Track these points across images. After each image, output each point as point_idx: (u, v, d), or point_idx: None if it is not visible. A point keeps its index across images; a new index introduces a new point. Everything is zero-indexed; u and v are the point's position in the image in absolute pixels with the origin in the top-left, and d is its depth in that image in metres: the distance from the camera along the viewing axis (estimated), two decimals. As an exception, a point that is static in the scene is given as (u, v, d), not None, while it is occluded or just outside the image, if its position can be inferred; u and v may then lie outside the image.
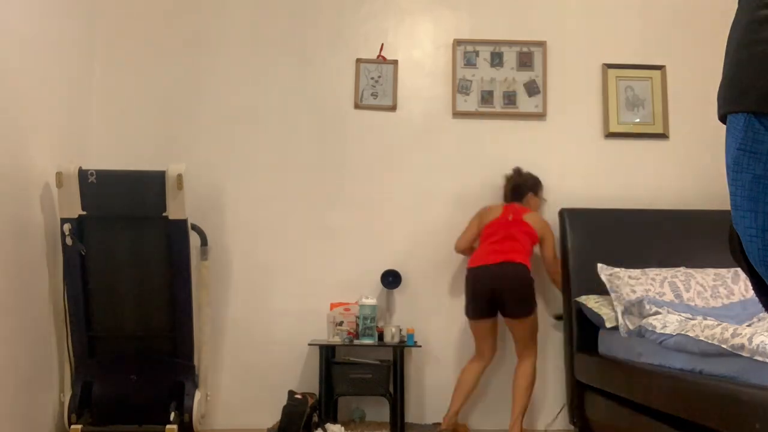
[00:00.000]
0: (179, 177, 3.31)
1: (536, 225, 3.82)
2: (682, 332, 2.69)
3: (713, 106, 4.05)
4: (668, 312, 3.13)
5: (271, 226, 4.10)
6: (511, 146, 4.21)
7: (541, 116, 4.22)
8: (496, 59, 4.24)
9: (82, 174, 3.34)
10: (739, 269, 3.66)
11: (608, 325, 3.44)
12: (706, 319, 3.06)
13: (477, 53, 4.24)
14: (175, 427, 3.32)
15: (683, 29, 4.33)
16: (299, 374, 3.99)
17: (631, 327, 3.23)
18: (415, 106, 4.22)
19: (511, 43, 4.25)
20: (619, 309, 3.37)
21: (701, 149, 4.22)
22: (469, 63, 4.23)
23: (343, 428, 3.55)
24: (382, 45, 4.24)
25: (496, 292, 3.60)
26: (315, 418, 3.64)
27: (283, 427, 3.51)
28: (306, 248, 4.10)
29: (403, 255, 4.10)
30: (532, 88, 4.23)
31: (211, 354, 3.94)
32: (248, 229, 4.09)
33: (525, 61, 4.24)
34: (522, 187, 3.96)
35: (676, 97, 4.26)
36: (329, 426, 3.52)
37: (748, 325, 3.00)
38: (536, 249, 3.94)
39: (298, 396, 3.58)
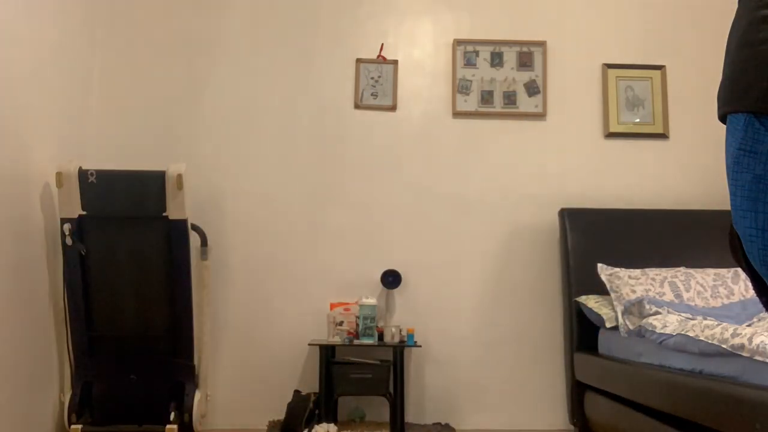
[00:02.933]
0: (179, 177, 3.31)
1: None
2: (682, 332, 2.69)
3: (713, 106, 4.05)
4: (668, 312, 3.13)
5: (272, 225, 4.10)
6: (511, 146, 4.21)
7: (541, 116, 4.22)
8: (496, 59, 4.24)
9: (82, 174, 3.34)
10: (739, 269, 3.66)
11: (608, 325, 3.44)
12: (706, 319, 3.06)
13: (477, 53, 4.24)
14: (175, 427, 3.32)
15: (683, 29, 4.33)
16: (299, 374, 3.99)
17: (631, 327, 3.23)
18: (415, 106, 4.22)
19: (511, 43, 4.25)
20: (619, 309, 3.37)
21: (701, 149, 4.22)
22: (469, 63, 4.23)
23: (333, 428, 3.54)
24: (382, 45, 4.24)
25: None
26: (316, 415, 3.68)
27: (286, 422, 3.59)
28: (306, 248, 4.10)
29: (403, 255, 4.10)
30: (532, 88, 4.23)
31: (211, 354, 3.94)
32: (248, 229, 4.09)
33: (525, 61, 4.24)
34: None
35: (676, 97, 4.26)
36: (317, 426, 3.53)
37: (748, 325, 3.00)
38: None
39: (302, 393, 3.63)
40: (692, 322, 2.75)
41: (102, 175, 3.35)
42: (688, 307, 3.26)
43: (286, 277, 4.06)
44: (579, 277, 3.84)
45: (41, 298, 3.37)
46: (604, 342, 3.57)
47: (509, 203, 4.16)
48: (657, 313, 3.14)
